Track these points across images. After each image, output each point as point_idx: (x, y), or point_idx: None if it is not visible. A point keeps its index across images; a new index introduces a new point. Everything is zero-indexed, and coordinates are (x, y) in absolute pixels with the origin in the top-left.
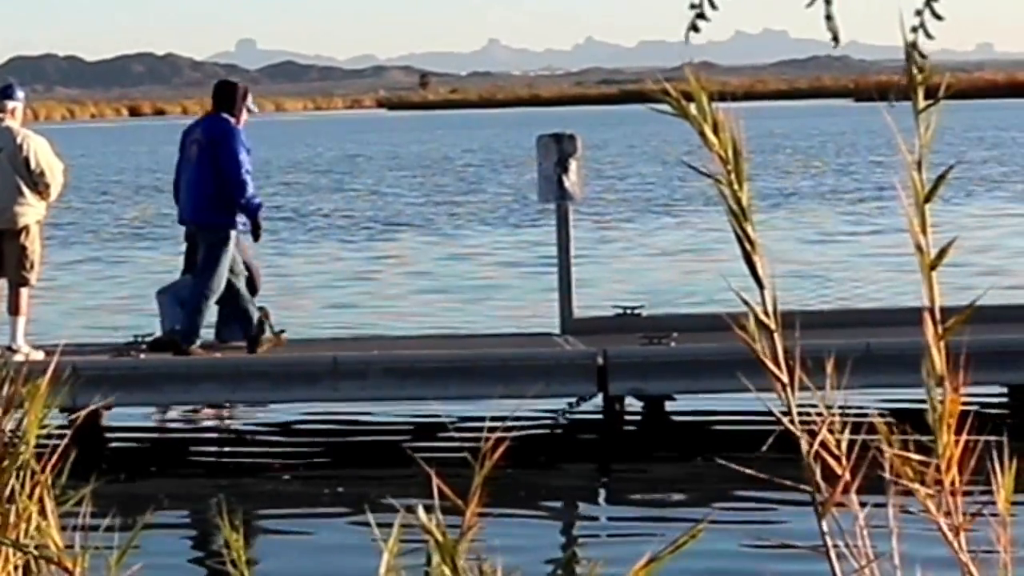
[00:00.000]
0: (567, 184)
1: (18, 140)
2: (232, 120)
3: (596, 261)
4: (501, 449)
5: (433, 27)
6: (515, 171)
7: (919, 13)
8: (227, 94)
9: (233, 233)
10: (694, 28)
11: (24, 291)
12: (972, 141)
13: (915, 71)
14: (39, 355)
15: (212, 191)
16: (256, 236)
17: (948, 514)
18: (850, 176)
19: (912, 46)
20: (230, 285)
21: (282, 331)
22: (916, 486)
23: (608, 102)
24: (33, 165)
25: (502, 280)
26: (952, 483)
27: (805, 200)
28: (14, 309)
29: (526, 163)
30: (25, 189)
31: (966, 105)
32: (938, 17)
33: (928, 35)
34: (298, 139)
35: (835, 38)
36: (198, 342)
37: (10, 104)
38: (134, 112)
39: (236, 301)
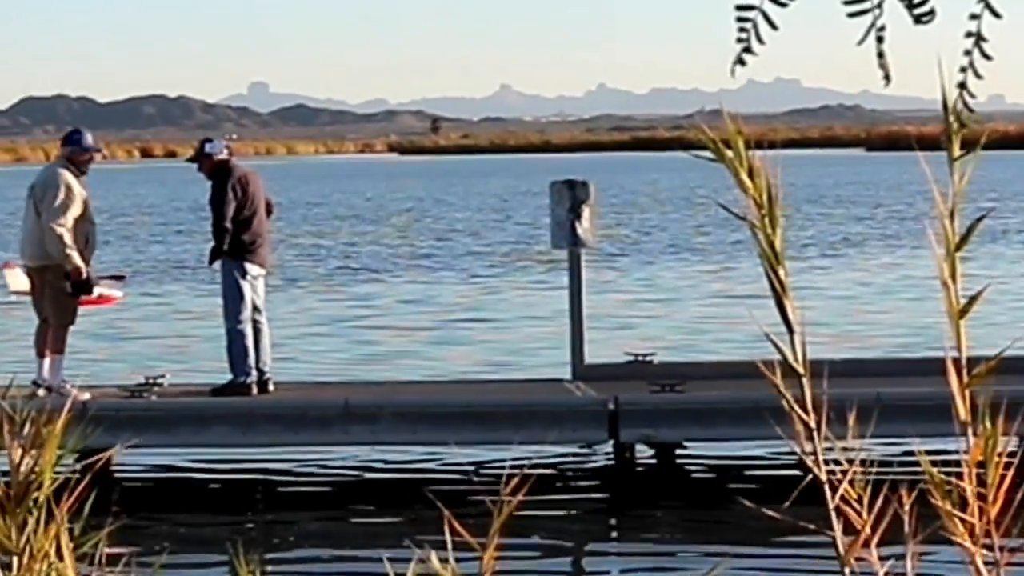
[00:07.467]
0: (580, 230)
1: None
2: None
3: (610, 306)
4: (520, 495)
5: (445, 72)
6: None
7: (968, 53)
8: None
9: None
10: (740, 62)
11: (58, 331)
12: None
13: (952, 120)
14: (85, 395)
15: None
16: None
17: (989, 547)
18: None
19: (962, 86)
20: None
21: None
22: (966, 541)
23: (620, 148)
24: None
25: (514, 325)
26: (996, 519)
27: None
28: (43, 349)
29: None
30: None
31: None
32: (987, 57)
33: (977, 75)
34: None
35: (887, 76)
36: None
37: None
38: (146, 154)
39: None
